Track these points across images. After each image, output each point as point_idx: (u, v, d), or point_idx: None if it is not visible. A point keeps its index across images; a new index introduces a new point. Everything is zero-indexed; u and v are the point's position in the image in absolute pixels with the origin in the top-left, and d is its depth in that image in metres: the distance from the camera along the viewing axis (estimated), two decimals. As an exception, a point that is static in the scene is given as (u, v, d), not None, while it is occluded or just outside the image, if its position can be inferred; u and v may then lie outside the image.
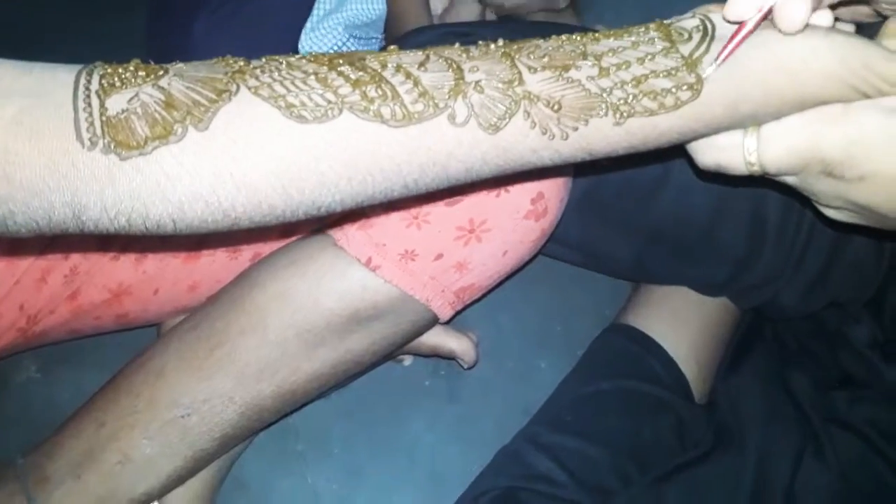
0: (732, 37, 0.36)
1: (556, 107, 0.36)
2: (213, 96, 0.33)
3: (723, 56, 0.36)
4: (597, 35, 0.38)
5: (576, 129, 0.36)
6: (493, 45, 0.37)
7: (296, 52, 0.84)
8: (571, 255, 0.71)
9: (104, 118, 0.32)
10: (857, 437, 0.59)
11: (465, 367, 0.68)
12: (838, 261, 0.63)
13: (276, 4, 0.84)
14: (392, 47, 0.37)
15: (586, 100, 0.36)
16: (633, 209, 0.63)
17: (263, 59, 0.35)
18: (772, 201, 0.60)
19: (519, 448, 0.60)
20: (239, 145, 0.33)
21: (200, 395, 0.53)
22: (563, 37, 0.38)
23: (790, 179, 0.40)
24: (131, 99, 0.32)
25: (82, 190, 0.32)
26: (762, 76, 0.36)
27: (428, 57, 0.36)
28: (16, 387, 0.69)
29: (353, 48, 0.87)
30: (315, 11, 0.86)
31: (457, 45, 0.37)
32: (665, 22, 0.38)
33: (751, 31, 0.36)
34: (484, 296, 0.60)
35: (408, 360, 0.72)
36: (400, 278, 0.53)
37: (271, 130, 0.33)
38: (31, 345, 0.63)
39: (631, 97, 0.36)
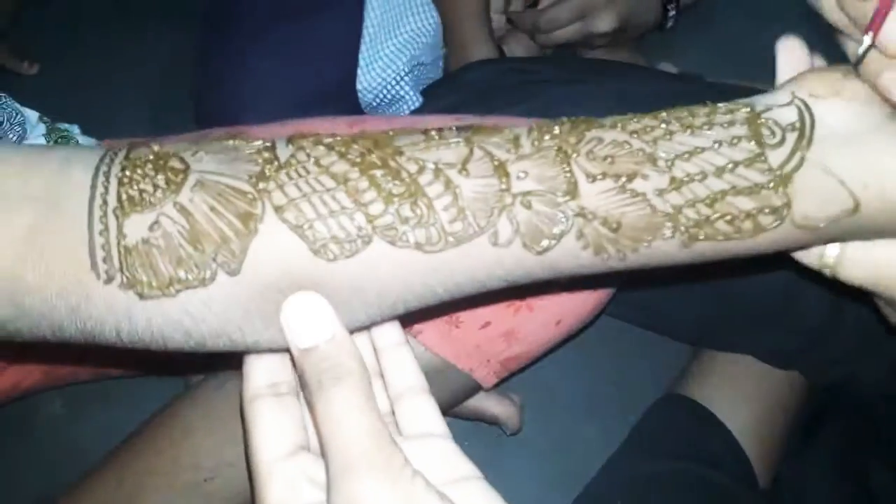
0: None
1: (614, 226, 0.31)
2: (240, 226, 0.29)
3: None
4: (671, 125, 0.32)
5: (636, 250, 0.31)
6: (548, 136, 0.32)
7: (353, 77, 0.80)
8: (629, 313, 0.66)
9: (122, 247, 0.29)
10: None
11: (509, 433, 0.64)
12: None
13: (328, 28, 0.81)
14: (433, 133, 0.32)
15: (651, 219, 0.31)
16: (705, 267, 0.57)
17: (290, 151, 0.31)
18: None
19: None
20: (269, 288, 0.30)
21: (225, 458, 0.50)
22: (631, 124, 0.32)
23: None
24: (153, 225, 0.29)
25: (96, 320, 0.29)
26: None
27: (472, 152, 0.31)
28: (40, 423, 0.67)
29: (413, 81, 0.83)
30: (365, 32, 0.82)
31: (506, 131, 0.32)
32: (757, 109, 0.32)
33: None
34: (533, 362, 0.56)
35: (445, 420, 0.67)
36: (441, 346, 0.49)
37: (299, 271, 0.30)
38: (56, 384, 0.61)
39: (704, 220, 0.31)
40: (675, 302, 0.62)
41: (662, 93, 0.66)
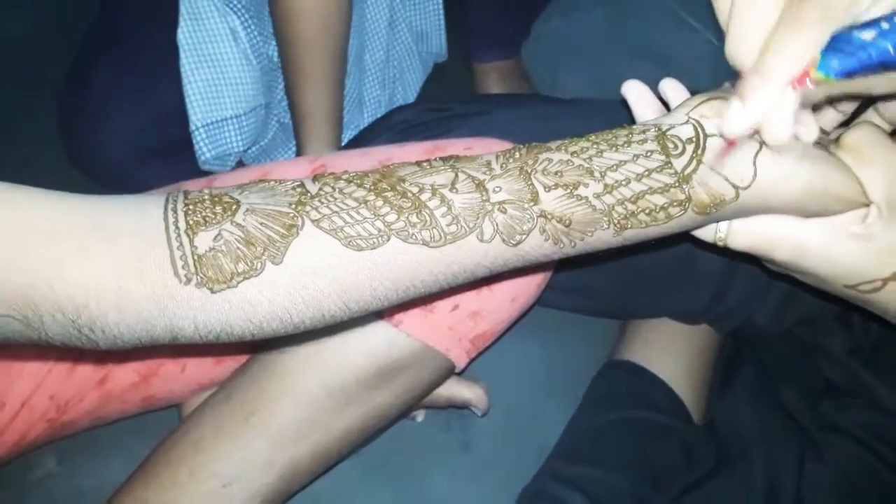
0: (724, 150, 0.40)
1: (567, 223, 0.41)
2: (284, 231, 0.38)
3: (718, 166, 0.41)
4: (601, 145, 0.42)
5: (582, 239, 0.42)
6: (511, 161, 0.42)
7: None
8: (565, 299, 0.76)
9: (195, 256, 0.37)
10: (850, 439, 0.64)
11: (480, 414, 0.71)
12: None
13: (169, 92, 0.88)
14: (424, 163, 0.42)
15: (592, 216, 0.41)
16: (616, 250, 0.68)
17: (318, 186, 0.40)
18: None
19: (541, 484, 0.63)
20: (308, 274, 0.38)
21: (240, 462, 0.55)
22: (571, 146, 0.42)
23: None
24: (216, 237, 0.37)
25: (179, 316, 0.37)
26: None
27: (457, 176, 0.41)
28: (35, 483, 0.68)
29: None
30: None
31: (479, 159, 0.42)
32: (663, 129, 0.42)
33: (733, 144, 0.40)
34: (492, 344, 0.64)
35: (420, 416, 0.74)
36: (421, 331, 0.57)
37: (334, 260, 0.39)
38: (56, 436, 0.64)
39: (630, 213, 0.41)
40: (595, 284, 0.72)
41: (548, 113, 0.79)
